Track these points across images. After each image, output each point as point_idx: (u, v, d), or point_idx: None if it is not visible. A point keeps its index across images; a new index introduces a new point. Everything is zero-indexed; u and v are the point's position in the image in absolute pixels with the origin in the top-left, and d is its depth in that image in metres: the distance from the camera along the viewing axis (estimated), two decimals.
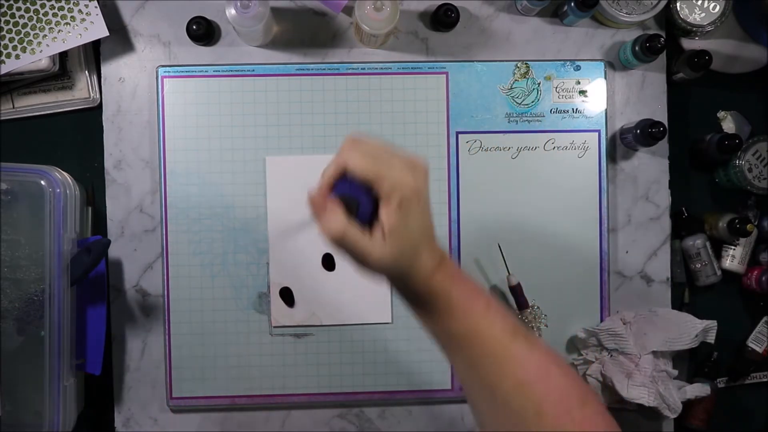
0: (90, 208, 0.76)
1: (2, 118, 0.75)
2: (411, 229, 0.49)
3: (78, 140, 0.77)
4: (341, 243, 0.48)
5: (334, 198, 0.49)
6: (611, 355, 0.76)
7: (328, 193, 0.50)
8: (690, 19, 0.76)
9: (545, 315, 0.76)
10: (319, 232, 0.49)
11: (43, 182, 0.68)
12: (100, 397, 0.77)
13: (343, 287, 0.76)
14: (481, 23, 0.78)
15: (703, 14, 0.76)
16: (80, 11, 0.72)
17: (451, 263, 0.52)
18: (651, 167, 0.79)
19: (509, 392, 0.49)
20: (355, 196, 0.49)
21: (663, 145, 0.79)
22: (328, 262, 0.76)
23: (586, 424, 0.48)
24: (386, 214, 0.48)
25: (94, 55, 0.76)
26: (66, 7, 0.72)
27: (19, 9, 0.71)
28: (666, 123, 0.78)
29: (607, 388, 0.75)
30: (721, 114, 0.81)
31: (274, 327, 0.76)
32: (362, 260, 0.49)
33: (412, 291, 0.51)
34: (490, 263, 0.77)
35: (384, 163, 0.48)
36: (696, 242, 0.79)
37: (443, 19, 0.75)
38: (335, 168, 0.49)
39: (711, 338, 0.75)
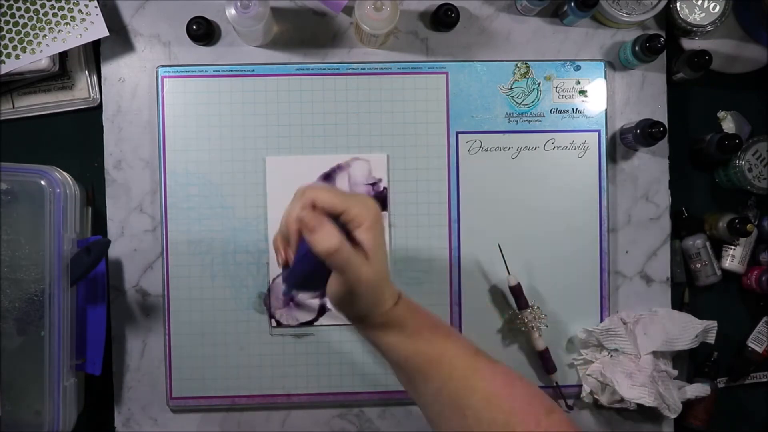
0: (90, 208, 0.76)
1: (2, 118, 0.75)
2: (382, 253, 0.53)
3: (78, 140, 0.77)
4: (336, 257, 0.50)
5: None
6: (611, 355, 0.76)
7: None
8: (690, 19, 0.76)
9: (545, 315, 0.76)
10: (313, 244, 0.50)
11: (43, 182, 0.68)
12: (100, 397, 0.77)
13: None
14: (481, 23, 0.78)
15: (703, 14, 0.76)
16: (80, 11, 0.72)
17: (407, 298, 0.56)
18: (651, 167, 0.79)
19: (478, 407, 0.52)
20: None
21: (663, 145, 0.79)
22: None
23: (554, 430, 0.51)
24: (365, 235, 0.51)
25: (94, 55, 0.76)
26: (66, 7, 0.72)
27: (19, 9, 0.71)
28: (666, 123, 0.78)
29: (607, 388, 0.75)
30: (721, 114, 0.81)
31: (274, 327, 0.76)
32: (353, 275, 0.50)
33: (381, 320, 0.54)
34: (490, 263, 0.77)
35: (347, 196, 0.52)
36: (696, 242, 0.79)
37: (443, 19, 0.75)
38: (303, 203, 0.52)
39: (711, 338, 0.75)
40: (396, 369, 0.57)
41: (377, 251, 0.51)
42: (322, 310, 0.76)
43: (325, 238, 0.49)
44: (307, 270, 0.53)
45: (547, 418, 0.51)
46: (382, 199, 0.76)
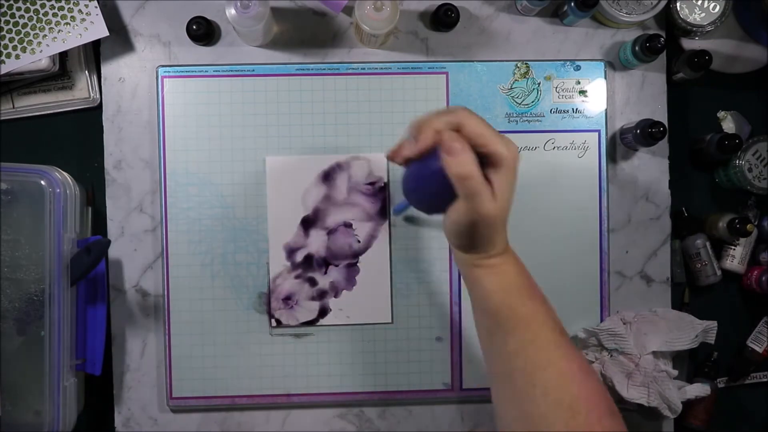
0: (90, 208, 0.76)
1: (2, 118, 0.75)
2: (508, 198, 0.53)
3: (78, 140, 0.77)
4: (469, 184, 0.50)
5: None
6: (611, 355, 0.76)
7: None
8: (690, 19, 0.76)
9: None
10: (449, 166, 0.50)
11: (43, 182, 0.68)
12: (100, 397, 0.77)
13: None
14: (481, 23, 0.78)
15: (703, 14, 0.76)
16: (80, 11, 0.72)
17: (514, 253, 0.58)
18: (651, 167, 0.79)
19: (550, 382, 0.51)
20: None
21: (663, 145, 0.79)
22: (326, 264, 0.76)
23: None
24: (498, 176, 0.51)
25: (94, 55, 0.76)
26: (66, 7, 0.72)
27: (19, 9, 0.71)
28: (666, 123, 0.78)
29: (607, 388, 0.75)
30: (721, 114, 0.81)
31: (274, 327, 0.76)
32: (478, 207, 0.51)
33: (488, 262, 0.55)
34: None
35: (493, 131, 0.52)
36: (696, 242, 0.79)
37: (443, 19, 0.75)
38: (450, 121, 0.51)
39: (711, 339, 0.75)
40: (481, 316, 0.57)
41: (505, 194, 0.52)
42: (323, 312, 0.76)
43: (464, 164, 0.49)
44: (429, 188, 0.53)
45: (610, 418, 0.51)
46: (381, 198, 0.76)
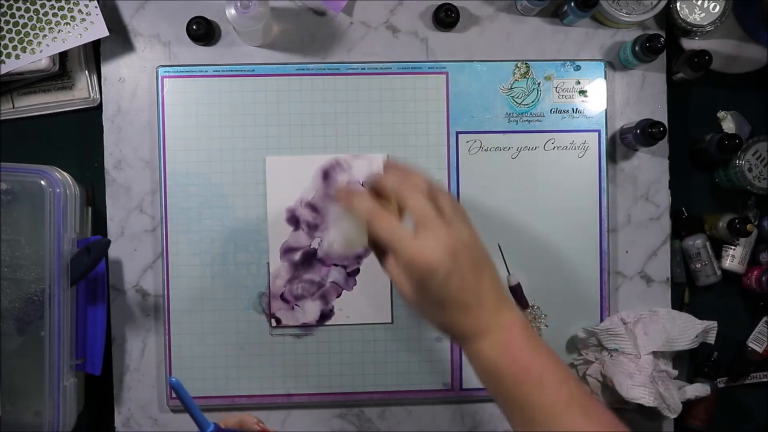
0: (90, 208, 0.76)
1: (2, 118, 0.75)
2: (436, 231, 0.48)
3: (78, 140, 0.77)
4: (373, 226, 0.50)
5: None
6: (611, 355, 0.76)
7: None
8: (690, 19, 0.76)
9: (545, 315, 0.76)
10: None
11: (43, 182, 0.68)
12: (100, 397, 0.77)
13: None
14: (481, 23, 0.78)
15: (703, 14, 0.76)
16: (80, 11, 0.72)
17: (511, 332, 0.50)
18: (651, 167, 0.79)
19: None
20: None
21: (663, 145, 0.79)
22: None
23: None
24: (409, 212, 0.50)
25: (94, 55, 0.76)
26: (66, 7, 0.72)
27: (19, 9, 0.71)
28: (666, 123, 0.78)
29: (607, 388, 0.75)
30: (721, 114, 0.81)
31: (274, 327, 0.76)
32: (400, 252, 0.48)
33: (459, 331, 0.51)
34: None
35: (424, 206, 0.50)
36: (696, 242, 0.79)
37: (443, 19, 0.75)
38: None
39: (711, 339, 0.75)
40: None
41: (429, 243, 0.47)
42: (323, 312, 0.76)
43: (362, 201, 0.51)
44: None
45: None
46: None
